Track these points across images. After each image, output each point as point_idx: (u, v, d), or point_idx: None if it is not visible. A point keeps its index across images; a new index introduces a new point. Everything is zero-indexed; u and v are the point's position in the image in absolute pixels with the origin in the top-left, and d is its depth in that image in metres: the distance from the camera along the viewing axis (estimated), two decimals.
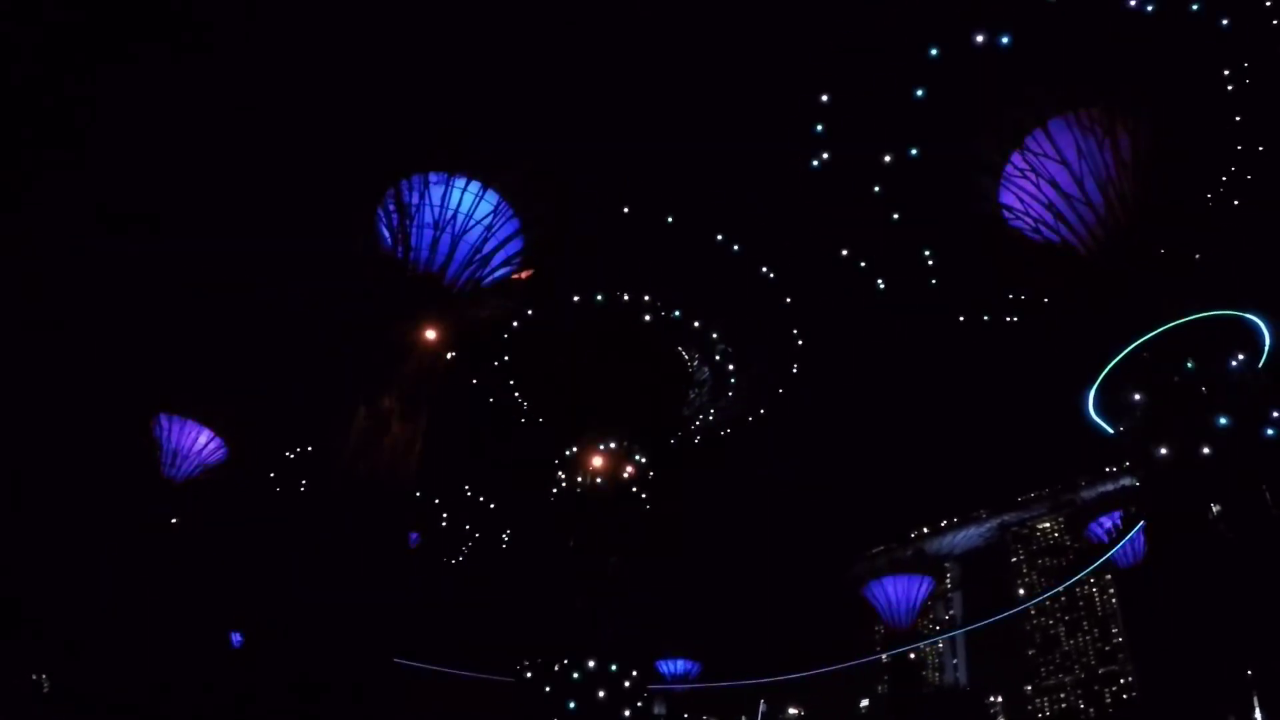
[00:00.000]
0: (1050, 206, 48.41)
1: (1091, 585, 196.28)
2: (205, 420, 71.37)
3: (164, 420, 70.44)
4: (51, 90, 50.51)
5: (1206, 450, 41.99)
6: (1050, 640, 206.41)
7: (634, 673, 53.02)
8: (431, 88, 45.80)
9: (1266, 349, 44.44)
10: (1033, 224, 49.57)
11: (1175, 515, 43.70)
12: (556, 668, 51.53)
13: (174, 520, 70.72)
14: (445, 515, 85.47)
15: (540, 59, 47.03)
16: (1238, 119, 48.60)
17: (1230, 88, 47.10)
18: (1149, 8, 43.84)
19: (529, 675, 52.77)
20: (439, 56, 45.62)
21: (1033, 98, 47.02)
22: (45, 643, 66.22)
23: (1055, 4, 44.08)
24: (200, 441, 71.88)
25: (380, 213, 47.52)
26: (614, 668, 51.94)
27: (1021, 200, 49.24)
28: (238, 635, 77.67)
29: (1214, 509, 41.56)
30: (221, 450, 73.19)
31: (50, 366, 65.50)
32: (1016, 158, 48.53)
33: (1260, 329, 44.08)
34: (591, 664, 51.43)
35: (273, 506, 79.40)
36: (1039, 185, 48.29)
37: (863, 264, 56.68)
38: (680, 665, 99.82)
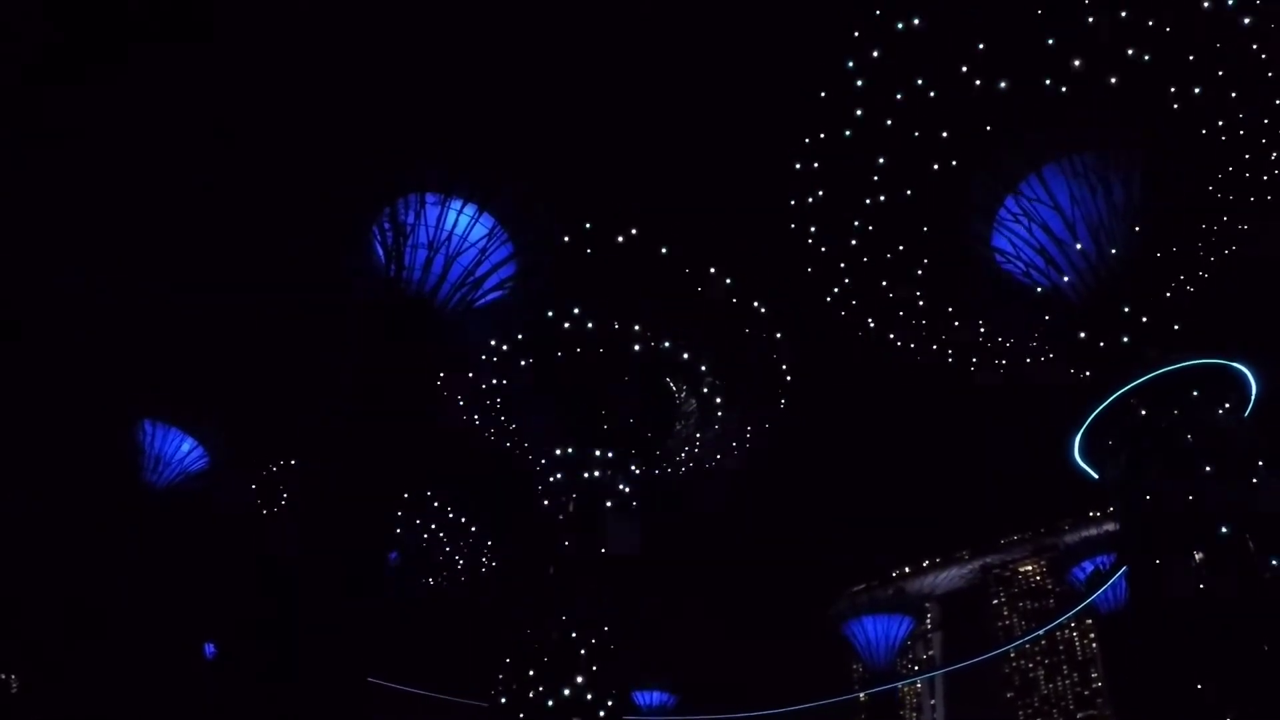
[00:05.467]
0: (1042, 251, 48.71)
1: (1072, 629, 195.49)
2: (189, 428, 70.87)
3: (147, 426, 69.92)
4: (53, 90, 50.52)
5: (1190, 498, 42.03)
6: (1029, 683, 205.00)
7: (609, 702, 52.33)
8: (435, 109, 45.94)
9: (1253, 397, 44.60)
10: (1024, 268, 49.85)
11: (1158, 562, 43.62)
12: (531, 694, 50.82)
13: (153, 527, 69.99)
14: (425, 534, 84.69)
15: (542, 86, 47.30)
16: (1229, 169, 49.09)
17: (1224, 137, 47.60)
18: (1146, 57, 44.39)
19: (503, 700, 52.08)
20: (444, 77, 45.83)
21: (1028, 143, 47.45)
22: (18, 645, 65.24)
23: (1051, 50, 44.60)
24: (183, 449, 71.37)
25: (375, 230, 47.43)
26: (589, 696, 51.27)
27: (1014, 244, 49.54)
28: (211, 647, 76.73)
29: (1197, 556, 41.49)
30: (204, 458, 72.62)
31: (37, 372, 64.95)
32: (1010, 202, 48.87)
33: (1247, 377, 44.24)
34: (566, 691, 50.77)
35: (254, 517, 78.75)
36: (1032, 230, 48.60)
37: (854, 302, 56.88)
38: (657, 697, 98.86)
